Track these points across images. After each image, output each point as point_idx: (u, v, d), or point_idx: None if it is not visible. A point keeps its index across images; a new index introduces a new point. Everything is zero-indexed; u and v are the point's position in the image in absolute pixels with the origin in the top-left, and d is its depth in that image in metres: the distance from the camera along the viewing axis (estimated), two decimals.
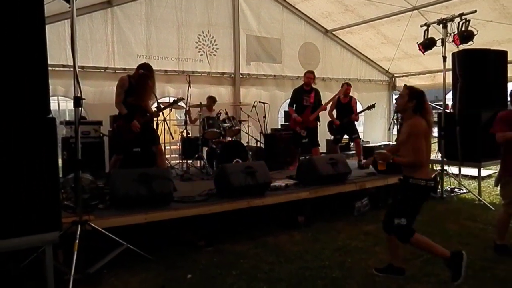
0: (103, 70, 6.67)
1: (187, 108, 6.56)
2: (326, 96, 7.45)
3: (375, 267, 3.49)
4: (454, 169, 6.98)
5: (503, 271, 3.34)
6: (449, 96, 7.37)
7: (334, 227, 4.73)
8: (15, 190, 2.49)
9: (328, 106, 6.73)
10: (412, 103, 3.10)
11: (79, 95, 3.22)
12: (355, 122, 6.90)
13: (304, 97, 6.45)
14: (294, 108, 6.57)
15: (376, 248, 4.03)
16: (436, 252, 3.14)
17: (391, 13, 7.47)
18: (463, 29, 5.88)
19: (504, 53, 6.23)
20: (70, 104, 8.51)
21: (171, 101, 5.32)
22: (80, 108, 3.28)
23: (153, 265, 3.56)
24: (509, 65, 6.33)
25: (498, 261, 3.58)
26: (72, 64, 3.34)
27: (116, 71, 6.66)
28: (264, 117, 7.23)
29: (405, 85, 3.57)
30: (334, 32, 9.05)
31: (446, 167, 6.40)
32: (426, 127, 3.06)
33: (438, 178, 5.39)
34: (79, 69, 3.30)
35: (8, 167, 2.47)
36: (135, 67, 4.83)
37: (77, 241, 3.12)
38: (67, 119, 7.34)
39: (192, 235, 4.15)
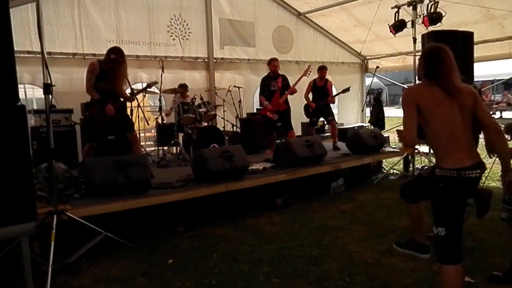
0: (71, 56, 6.43)
1: (160, 97, 6.43)
2: (302, 80, 7.49)
3: (396, 241, 3.33)
4: (424, 148, 7.23)
5: (472, 242, 3.53)
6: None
7: (311, 208, 4.84)
8: None
9: (303, 90, 6.79)
10: (420, 66, 2.48)
11: (48, 81, 3.12)
12: (331, 105, 7.00)
13: (272, 83, 6.51)
14: (264, 95, 6.62)
15: (352, 226, 4.17)
16: None
17: None
18: (432, 11, 6.01)
19: (471, 34, 6.41)
20: (37, 93, 8.18)
21: (144, 86, 5.21)
22: (50, 96, 3.17)
23: (133, 252, 3.56)
24: (475, 46, 6.54)
25: (466, 233, 3.77)
26: (38, 50, 3.22)
27: (85, 57, 6.43)
28: (240, 101, 7.21)
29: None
30: (307, 15, 9.04)
31: (417, 146, 6.61)
32: (423, 92, 2.35)
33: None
34: (46, 55, 3.17)
35: None
36: (105, 53, 4.68)
37: (53, 231, 3.06)
38: (35, 108, 7.07)
39: (171, 221, 4.15)
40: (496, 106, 18.54)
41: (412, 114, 2.31)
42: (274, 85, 6.48)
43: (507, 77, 13.02)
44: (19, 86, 5.27)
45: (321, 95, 6.89)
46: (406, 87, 11.29)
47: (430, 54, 2.44)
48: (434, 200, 2.38)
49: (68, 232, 3.25)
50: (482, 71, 13.20)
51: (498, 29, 7.17)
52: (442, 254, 2.34)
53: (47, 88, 3.11)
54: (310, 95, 7.04)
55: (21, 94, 7.24)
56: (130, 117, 4.97)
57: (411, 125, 2.32)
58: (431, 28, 6.12)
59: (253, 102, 8.74)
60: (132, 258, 3.45)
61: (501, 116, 17.90)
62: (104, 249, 3.48)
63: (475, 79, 6.80)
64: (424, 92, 2.36)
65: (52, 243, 3.01)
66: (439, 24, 6.02)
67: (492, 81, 14.63)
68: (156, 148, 6.82)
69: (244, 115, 7.54)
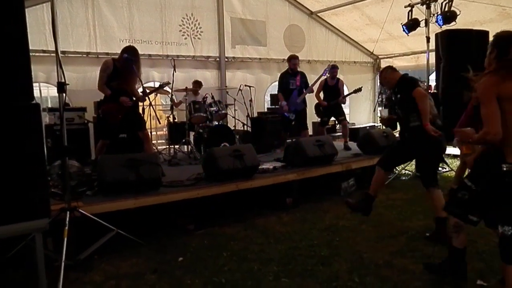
0: (85, 55, 6.53)
1: (171, 94, 6.49)
2: (312, 78, 7.46)
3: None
4: None
5: (484, 245, 3.48)
6: (432, 77, 7.47)
7: (321, 208, 4.82)
8: (2, 178, 2.46)
9: (315, 88, 6.76)
10: (493, 55, 2.37)
11: (62, 80, 3.16)
12: (342, 105, 6.96)
13: (291, 81, 6.47)
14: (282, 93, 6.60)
15: (363, 227, 4.14)
16: None
17: None
18: (446, 9, 5.93)
19: (486, 33, 6.30)
20: (52, 91, 8.33)
21: (156, 85, 5.25)
22: (64, 94, 3.22)
23: (144, 250, 3.59)
24: None
25: (478, 235, 3.72)
26: (52, 49, 3.27)
27: (99, 56, 6.52)
28: (250, 100, 7.21)
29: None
30: (319, 14, 9.00)
31: None
32: (503, 84, 2.24)
33: None
34: (61, 55, 3.22)
35: None
36: (118, 52, 4.74)
37: (66, 227, 3.11)
38: (50, 106, 7.19)
39: (182, 219, 4.18)
40: None
41: (495, 107, 2.23)
42: (293, 83, 6.46)
43: None
44: (34, 84, 5.37)
45: (332, 95, 6.85)
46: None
47: (507, 41, 2.31)
48: (502, 197, 2.28)
49: (80, 229, 3.30)
50: None
51: None
52: (508, 254, 2.26)
53: (61, 87, 3.16)
54: (321, 94, 7.00)
55: (36, 93, 7.39)
56: (142, 115, 5.01)
57: (496, 119, 2.23)
58: (445, 27, 6.05)
59: (264, 101, 8.75)
60: (143, 255, 3.49)
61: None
62: (115, 246, 3.52)
63: None
64: (504, 83, 2.25)
65: (65, 239, 3.06)
66: (453, 23, 5.94)
67: None
68: (167, 146, 6.88)
69: (255, 114, 7.54)
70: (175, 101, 6.73)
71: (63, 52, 6.08)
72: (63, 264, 2.93)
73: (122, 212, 3.69)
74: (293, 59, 6.52)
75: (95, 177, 4.16)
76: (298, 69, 6.58)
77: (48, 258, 2.98)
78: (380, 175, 3.91)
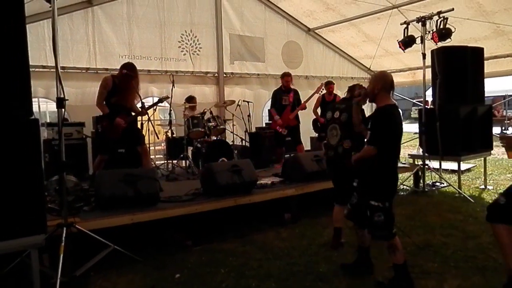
0: (84, 71, 6.57)
1: (170, 109, 6.52)
2: (309, 94, 7.53)
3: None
4: (435, 164, 7.15)
5: (484, 260, 3.46)
6: (429, 93, 7.54)
7: (319, 223, 4.79)
8: None
9: (308, 104, 6.81)
10: None
11: (62, 96, 3.18)
12: None
13: (283, 97, 6.59)
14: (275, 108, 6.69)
15: None
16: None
17: (372, 11, 7.59)
18: (441, 26, 6.03)
19: (481, 50, 6.42)
20: (50, 106, 8.35)
21: (155, 101, 5.29)
22: (63, 109, 3.23)
23: (141, 266, 3.55)
24: (485, 62, 6.53)
25: (479, 251, 3.70)
26: (52, 64, 3.30)
27: (98, 71, 6.57)
28: (249, 115, 7.25)
29: None
30: (316, 31, 9.13)
31: (427, 162, 6.55)
32: None
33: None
34: (60, 70, 3.24)
35: None
36: (118, 68, 4.78)
37: (63, 243, 3.08)
38: (48, 121, 7.21)
39: (180, 235, 4.15)
40: (508, 121, 18.31)
41: None
42: (286, 100, 6.55)
43: None
44: (33, 99, 5.39)
45: None
46: (416, 102, 11.25)
47: None
48: None
49: (77, 245, 3.27)
50: (494, 86, 13.11)
51: (509, 45, 7.15)
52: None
53: (60, 103, 3.17)
54: (319, 110, 7.05)
55: (35, 107, 7.40)
56: (141, 130, 5.03)
57: None
58: (440, 44, 6.14)
59: (262, 117, 8.78)
60: (140, 271, 3.45)
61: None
62: (112, 262, 3.48)
63: (486, 95, 6.78)
64: None
65: (61, 255, 3.02)
66: (448, 40, 6.03)
67: (504, 97, 14.50)
68: (165, 161, 6.87)
69: (253, 130, 7.57)
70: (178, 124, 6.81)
71: (62, 68, 6.13)
72: (59, 280, 2.89)
73: (119, 227, 3.66)
74: (285, 76, 6.66)
75: (92, 193, 4.14)
76: (292, 86, 6.68)
77: (44, 274, 2.95)
78: None
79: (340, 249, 3.92)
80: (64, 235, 3.15)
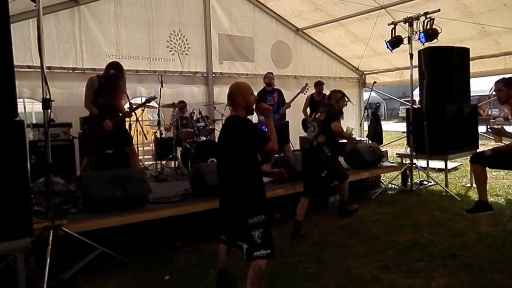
0: (71, 71, 6.49)
1: (159, 110, 6.49)
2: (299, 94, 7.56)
3: (466, 209, 4.26)
4: (422, 163, 7.24)
5: (470, 258, 3.51)
6: (416, 92, 7.64)
7: (309, 222, 4.81)
8: None
9: (301, 104, 6.86)
10: (509, 91, 3.76)
11: (48, 96, 3.13)
12: None
13: (268, 97, 6.64)
14: None
15: (350, 241, 4.14)
16: None
17: (360, 12, 7.64)
18: (428, 27, 6.10)
19: (466, 50, 6.53)
20: (36, 107, 8.23)
21: (143, 101, 5.25)
22: (49, 111, 3.18)
23: (130, 268, 3.52)
24: (471, 62, 6.64)
25: (465, 248, 3.76)
26: (38, 64, 3.25)
27: (85, 71, 6.49)
28: None
29: (497, 80, 4.06)
30: (305, 31, 9.17)
31: (415, 161, 6.63)
32: None
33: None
34: (46, 70, 3.20)
35: None
36: (104, 68, 4.73)
37: (49, 246, 3.04)
38: (34, 122, 7.10)
39: (169, 236, 4.12)
40: (493, 120, 18.60)
41: None
42: (270, 100, 6.60)
43: None
44: (19, 100, 5.30)
45: None
46: (404, 101, 11.37)
47: None
48: None
49: (64, 247, 3.23)
50: (479, 86, 13.33)
51: (494, 45, 7.28)
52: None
53: (46, 104, 3.12)
54: (308, 110, 7.09)
55: (20, 108, 7.29)
56: (129, 131, 4.99)
57: None
58: (427, 44, 6.22)
59: (251, 117, 8.77)
60: (129, 274, 3.42)
61: (486, 132, 17.95)
62: (100, 264, 3.44)
63: (472, 94, 6.89)
64: None
65: (48, 259, 2.98)
66: (435, 40, 6.11)
67: (489, 96, 14.75)
68: (154, 162, 6.82)
69: None
70: (166, 125, 6.76)
71: (48, 68, 6.07)
72: (45, 284, 2.85)
73: (108, 230, 3.62)
74: (268, 73, 6.80)
75: (80, 194, 4.09)
76: (276, 86, 6.71)
77: (31, 278, 2.90)
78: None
79: (300, 240, 4.20)
80: (51, 238, 3.10)
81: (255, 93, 7.47)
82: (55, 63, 6.28)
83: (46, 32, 5.95)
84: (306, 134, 7.26)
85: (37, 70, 5.59)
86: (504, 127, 4.01)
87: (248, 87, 2.97)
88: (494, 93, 4.76)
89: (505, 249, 3.69)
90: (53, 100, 3.22)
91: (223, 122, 3.09)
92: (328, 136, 4.48)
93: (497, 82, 4.13)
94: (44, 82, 3.12)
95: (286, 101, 6.76)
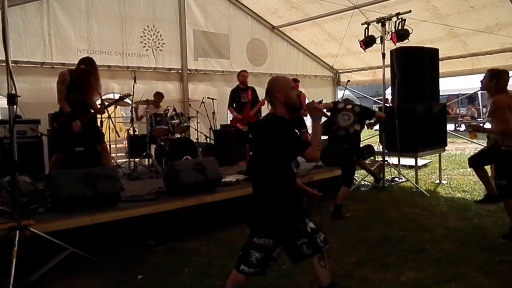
0: (39, 66, 6.25)
1: (134, 106, 6.37)
2: None
3: (476, 200, 4.61)
4: (394, 160, 7.42)
5: (438, 252, 3.63)
6: (388, 91, 7.81)
7: None
8: None
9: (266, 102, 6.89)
10: (492, 82, 3.74)
11: (13, 92, 3.01)
12: (304, 117, 7.10)
13: (242, 95, 6.66)
14: (234, 107, 6.89)
15: None
16: None
17: (334, 11, 7.73)
18: (399, 28, 6.25)
19: (436, 51, 6.72)
20: (2, 102, 7.89)
21: (116, 98, 5.13)
22: (15, 107, 3.06)
23: (101, 269, 3.43)
24: (440, 62, 6.84)
25: (433, 243, 3.88)
26: (2, 58, 3.11)
27: (54, 66, 6.27)
28: (213, 113, 7.20)
29: (488, 69, 4.00)
30: (280, 29, 9.19)
31: (387, 158, 6.79)
32: (508, 101, 3.60)
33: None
34: (12, 64, 3.07)
35: None
36: (75, 62, 4.59)
37: (15, 247, 2.93)
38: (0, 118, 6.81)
39: (142, 235, 4.05)
40: (461, 119, 19.34)
41: (510, 114, 3.56)
42: (244, 97, 6.64)
43: (471, 92, 13.64)
44: None
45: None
46: (377, 100, 11.61)
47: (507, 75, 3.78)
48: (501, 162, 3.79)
49: (32, 248, 3.12)
50: (448, 85, 13.76)
51: (462, 47, 7.53)
52: (502, 195, 3.79)
53: (12, 99, 3.00)
54: None
55: None
56: (100, 128, 4.86)
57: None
58: (399, 44, 6.37)
59: (227, 114, 8.71)
60: (99, 274, 3.34)
61: (465, 129, 18.64)
62: (70, 265, 3.34)
63: (441, 93, 7.11)
64: (509, 100, 3.64)
65: (14, 260, 2.87)
66: (406, 40, 6.27)
67: (457, 96, 15.29)
68: (127, 160, 6.69)
69: (218, 127, 7.52)
70: (138, 115, 6.61)
71: (15, 62, 5.84)
72: (11, 287, 2.75)
73: (78, 229, 3.52)
74: (242, 72, 6.86)
75: (48, 193, 3.96)
76: (249, 84, 6.81)
77: None
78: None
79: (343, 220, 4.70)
80: (17, 238, 3.00)
81: (228, 91, 7.57)
82: (22, 57, 6.04)
83: (12, 25, 5.70)
84: None
85: (2, 64, 5.34)
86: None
87: (288, 81, 2.64)
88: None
89: (471, 243, 3.84)
90: (19, 96, 3.11)
91: (260, 119, 2.76)
92: (362, 127, 5.29)
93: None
94: (10, 77, 3.00)
95: (260, 99, 6.77)
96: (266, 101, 6.73)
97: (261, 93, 6.89)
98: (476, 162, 4.33)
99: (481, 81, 3.96)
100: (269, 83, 2.58)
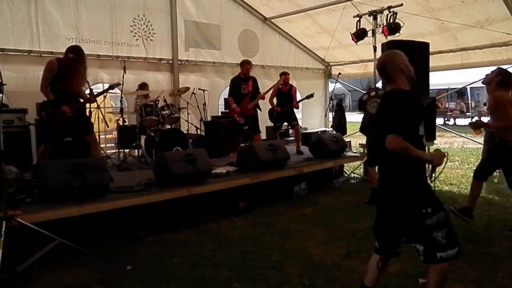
0: (26, 54, 6.12)
1: (121, 96, 6.29)
2: (265, 84, 7.55)
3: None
4: None
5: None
6: (379, 85, 7.83)
7: (274, 211, 4.87)
8: None
9: (268, 95, 6.86)
10: (498, 78, 3.87)
11: None
12: (295, 110, 7.10)
13: (242, 85, 6.53)
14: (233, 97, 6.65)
15: (313, 230, 4.24)
16: None
17: (327, 3, 7.70)
18: (391, 21, 6.26)
19: (427, 45, 6.73)
20: None
21: (105, 87, 5.06)
22: (1, 95, 3.01)
23: (89, 259, 3.43)
24: (430, 56, 6.88)
25: None
26: None
27: (42, 54, 6.15)
28: (204, 104, 7.16)
29: (498, 67, 4.19)
30: (272, 20, 9.14)
31: None
32: (509, 97, 3.78)
33: None
34: None
35: None
36: (64, 51, 4.50)
37: (2, 238, 2.90)
38: None
39: (131, 226, 4.04)
40: (450, 113, 19.55)
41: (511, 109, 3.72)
42: (245, 88, 6.52)
43: (460, 86, 13.77)
44: None
45: (285, 100, 6.97)
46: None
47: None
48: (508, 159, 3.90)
49: (19, 239, 3.09)
50: (438, 80, 13.88)
51: (452, 41, 7.57)
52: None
53: None
54: (275, 100, 7.11)
55: None
56: (89, 118, 4.80)
57: None
58: (390, 38, 6.38)
59: (218, 105, 8.70)
60: (88, 265, 3.33)
61: (454, 123, 18.90)
62: (58, 256, 3.33)
63: (431, 88, 7.15)
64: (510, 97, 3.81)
65: (0, 251, 2.85)
66: (397, 34, 6.28)
67: (447, 90, 15.41)
68: (117, 150, 6.63)
69: (209, 118, 7.49)
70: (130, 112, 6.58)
71: (1, 50, 5.74)
72: None
73: (66, 220, 3.50)
74: (246, 64, 6.58)
75: (35, 184, 3.91)
76: (250, 74, 6.65)
77: None
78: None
79: None
80: (3, 229, 2.97)
81: (228, 80, 7.47)
82: (8, 45, 5.91)
83: None
84: (272, 124, 7.33)
85: None
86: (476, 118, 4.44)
87: (403, 54, 2.47)
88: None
89: (457, 234, 3.89)
90: (5, 84, 3.06)
91: (382, 98, 2.60)
92: None
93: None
94: None
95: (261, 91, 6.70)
96: (264, 96, 6.75)
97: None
98: (483, 174, 4.24)
99: (486, 75, 4.07)
100: (388, 57, 2.46)
